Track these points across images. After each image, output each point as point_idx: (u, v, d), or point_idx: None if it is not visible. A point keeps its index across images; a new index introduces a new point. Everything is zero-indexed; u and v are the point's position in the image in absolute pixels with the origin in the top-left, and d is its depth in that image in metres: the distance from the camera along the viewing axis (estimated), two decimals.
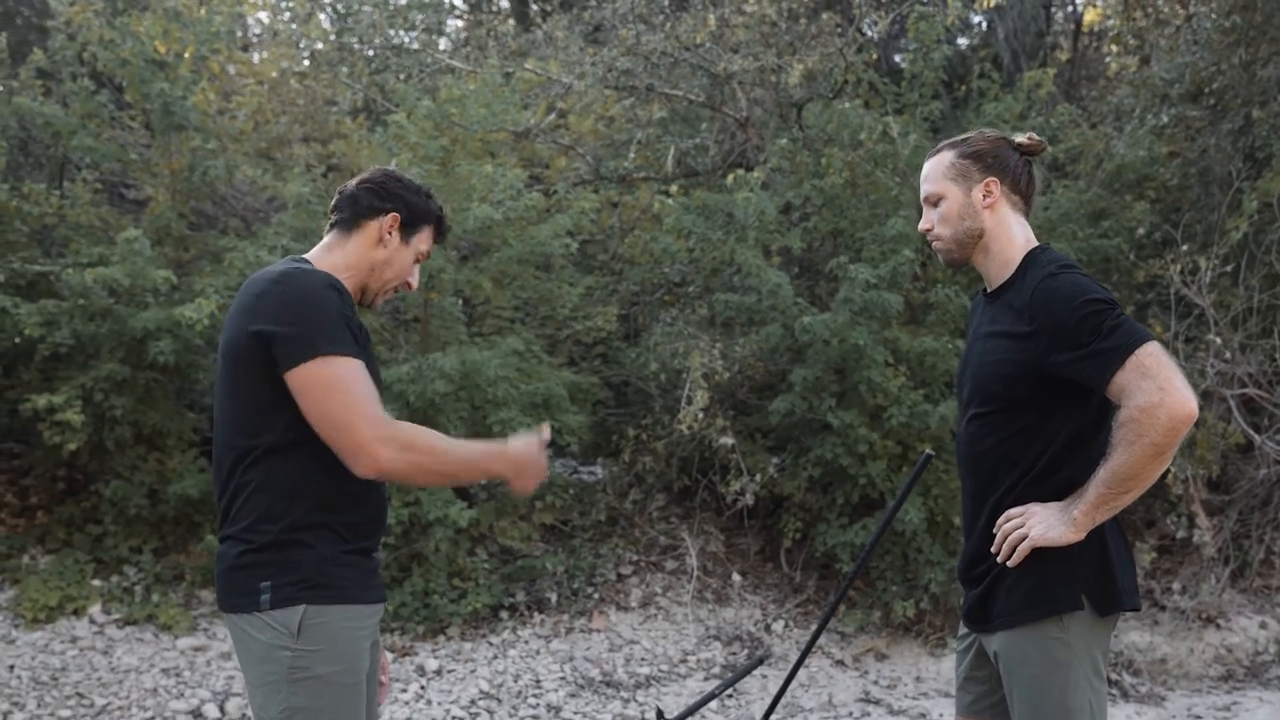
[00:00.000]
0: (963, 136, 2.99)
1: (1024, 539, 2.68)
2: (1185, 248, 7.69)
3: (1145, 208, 8.15)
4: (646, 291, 8.66)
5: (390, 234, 2.78)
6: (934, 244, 2.99)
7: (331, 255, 2.78)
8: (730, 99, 8.82)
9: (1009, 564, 2.72)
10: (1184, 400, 2.54)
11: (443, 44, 11.90)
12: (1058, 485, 2.74)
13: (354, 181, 2.84)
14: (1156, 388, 2.54)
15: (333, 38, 10.00)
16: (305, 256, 2.79)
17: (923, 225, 3.00)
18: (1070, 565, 2.70)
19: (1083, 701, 2.71)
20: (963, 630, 3.07)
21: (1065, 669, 2.70)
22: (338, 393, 2.51)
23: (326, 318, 2.54)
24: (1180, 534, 7.67)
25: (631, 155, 9.49)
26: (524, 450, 2.70)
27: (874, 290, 7.02)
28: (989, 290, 2.96)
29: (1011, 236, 2.89)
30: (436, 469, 2.65)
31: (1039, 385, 2.73)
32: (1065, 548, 2.67)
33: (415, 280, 2.90)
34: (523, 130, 8.89)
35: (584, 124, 10.09)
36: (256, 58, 10.86)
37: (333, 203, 2.85)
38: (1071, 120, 8.96)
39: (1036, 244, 2.92)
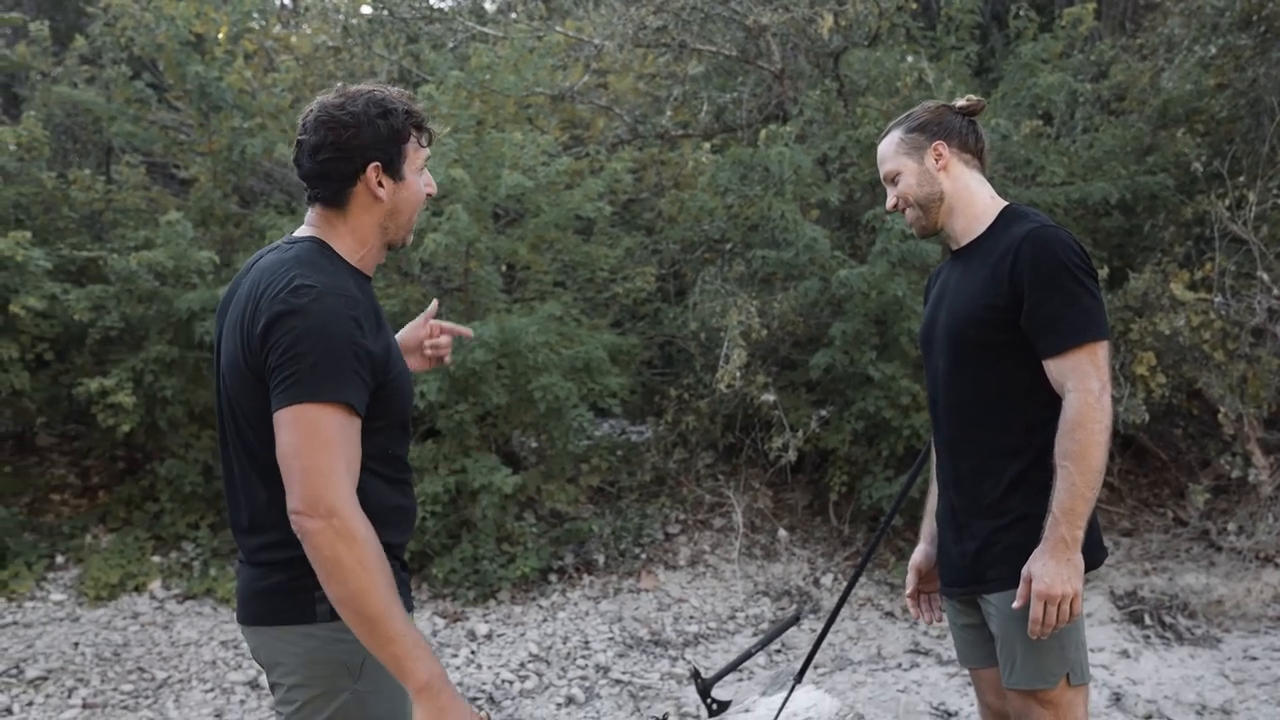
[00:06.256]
0: (907, 114, 3.07)
1: (1065, 607, 2.64)
2: (1235, 181, 7.51)
3: (1193, 142, 7.95)
4: (687, 250, 8.63)
5: (380, 185, 2.46)
6: (905, 217, 3.05)
7: (339, 234, 2.48)
8: (765, 52, 8.71)
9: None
10: (1109, 405, 2.66)
11: (489, 5, 11.89)
12: (1036, 445, 2.75)
13: (309, 150, 2.45)
14: (1100, 385, 2.64)
15: (367, 9, 10.02)
16: (316, 236, 2.48)
17: (889, 204, 3.06)
18: None
19: (1073, 643, 2.79)
20: (944, 587, 3.08)
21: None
22: (320, 448, 2.23)
23: (333, 356, 2.27)
24: (1235, 473, 7.55)
25: (668, 113, 9.43)
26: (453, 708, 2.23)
27: (911, 240, 6.95)
28: (956, 248, 3.00)
29: (973, 193, 2.97)
30: (354, 584, 2.19)
31: (1017, 332, 2.75)
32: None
33: (432, 186, 2.61)
34: (558, 93, 8.87)
35: (623, 82, 10.04)
36: (307, 29, 10.93)
37: (300, 172, 2.51)
38: (1116, 55, 8.75)
39: (1006, 202, 2.97)
